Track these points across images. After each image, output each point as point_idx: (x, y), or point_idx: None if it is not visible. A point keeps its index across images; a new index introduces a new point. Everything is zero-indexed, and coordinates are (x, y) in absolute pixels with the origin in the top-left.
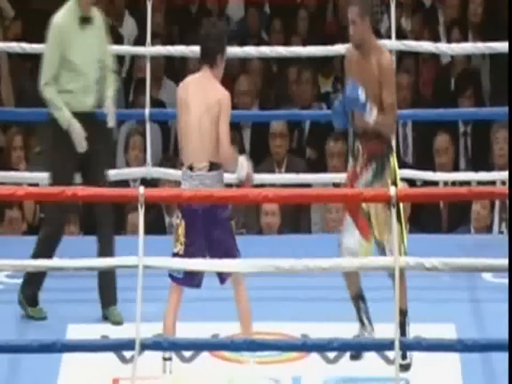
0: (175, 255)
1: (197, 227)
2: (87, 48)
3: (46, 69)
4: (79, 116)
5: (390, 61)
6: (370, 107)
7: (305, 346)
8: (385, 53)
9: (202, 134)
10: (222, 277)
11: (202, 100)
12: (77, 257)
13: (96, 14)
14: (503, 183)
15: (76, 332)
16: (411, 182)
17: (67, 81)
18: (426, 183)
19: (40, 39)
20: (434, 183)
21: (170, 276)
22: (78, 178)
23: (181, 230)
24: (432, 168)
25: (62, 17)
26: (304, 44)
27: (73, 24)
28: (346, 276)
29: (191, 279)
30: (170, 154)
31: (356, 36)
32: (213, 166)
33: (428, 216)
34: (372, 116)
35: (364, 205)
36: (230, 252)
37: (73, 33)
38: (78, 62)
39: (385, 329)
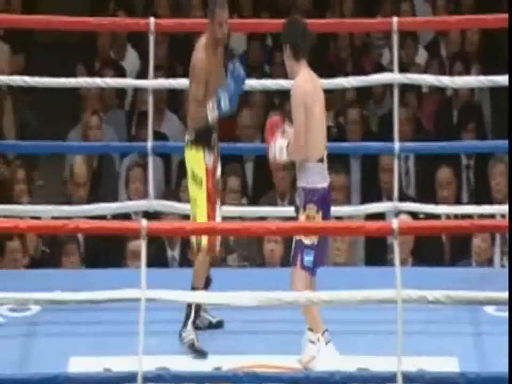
0: (308, 247)
1: (328, 215)
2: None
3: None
4: None
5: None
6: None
7: (307, 379)
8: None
9: (324, 126)
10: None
11: (321, 92)
12: (78, 290)
13: None
14: (502, 216)
15: (77, 365)
16: (413, 215)
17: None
18: (429, 216)
19: (43, 72)
20: (437, 216)
21: (304, 267)
22: None
23: (307, 220)
24: (435, 201)
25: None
26: None
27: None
28: None
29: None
30: (172, 187)
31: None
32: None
33: (430, 249)
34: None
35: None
36: None
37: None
38: None
39: (386, 362)
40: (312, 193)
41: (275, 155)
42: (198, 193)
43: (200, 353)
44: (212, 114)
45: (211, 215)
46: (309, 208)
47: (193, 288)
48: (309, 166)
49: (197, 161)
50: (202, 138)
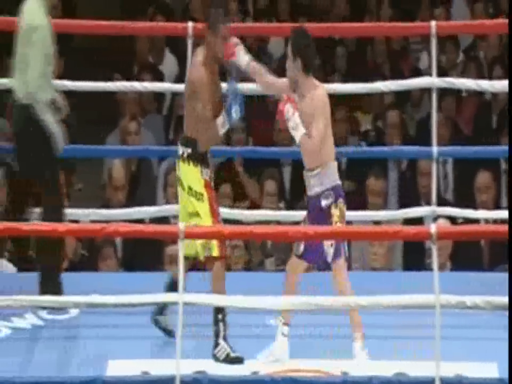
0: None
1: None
2: None
3: None
4: None
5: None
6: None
7: (345, 383)
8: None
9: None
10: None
11: None
12: (117, 293)
13: None
14: None
15: (116, 368)
16: (452, 219)
17: None
18: (467, 220)
19: (82, 77)
20: (475, 221)
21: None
22: None
23: (341, 213)
24: (473, 205)
25: None
26: (343, 81)
27: None
28: None
29: (310, 254)
30: None
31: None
32: None
33: (469, 254)
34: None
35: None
36: None
37: None
38: None
39: (424, 368)
40: (338, 189)
41: (290, 122)
42: (199, 206)
43: (236, 360)
44: (223, 128)
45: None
46: (339, 203)
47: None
48: (331, 165)
49: (194, 176)
50: (200, 155)
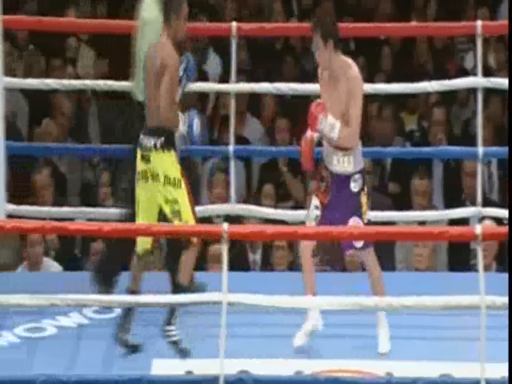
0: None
1: None
2: None
3: None
4: None
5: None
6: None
7: None
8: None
9: None
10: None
11: None
12: (160, 293)
13: None
14: None
15: (160, 367)
16: (498, 220)
17: None
18: None
19: (126, 76)
20: None
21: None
22: None
23: (367, 202)
24: None
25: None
26: (388, 80)
27: None
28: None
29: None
30: (253, 191)
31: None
32: None
33: None
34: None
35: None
36: None
37: None
38: None
39: (469, 369)
40: (364, 172)
41: (324, 129)
42: (177, 194)
43: (183, 353)
44: (182, 126)
45: (195, 213)
46: (366, 189)
47: (178, 285)
48: (359, 148)
49: (171, 164)
50: (172, 141)
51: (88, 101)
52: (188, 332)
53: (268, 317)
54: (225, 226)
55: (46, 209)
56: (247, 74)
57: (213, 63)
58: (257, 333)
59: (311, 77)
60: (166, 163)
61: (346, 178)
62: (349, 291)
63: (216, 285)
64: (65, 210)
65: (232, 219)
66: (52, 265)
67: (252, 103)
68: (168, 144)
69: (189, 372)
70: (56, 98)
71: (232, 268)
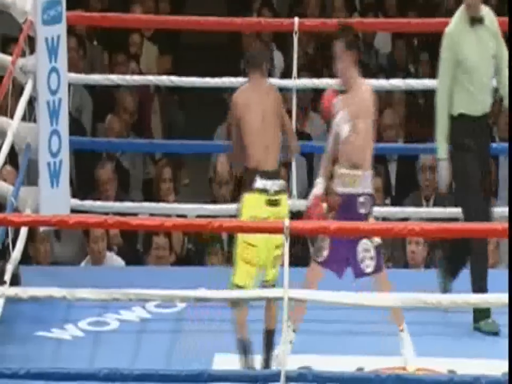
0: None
1: None
2: (480, 47)
3: (441, 80)
4: (480, 119)
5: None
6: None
7: (452, 382)
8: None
9: None
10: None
11: None
12: (223, 288)
13: (486, 12)
14: None
15: (222, 362)
16: None
17: (466, 85)
18: None
19: (189, 72)
20: None
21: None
22: None
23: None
24: None
25: (452, 24)
26: None
27: (465, 27)
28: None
29: (334, 263)
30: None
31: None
32: None
33: None
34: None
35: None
36: None
37: (465, 36)
38: (472, 62)
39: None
40: (373, 198)
41: (340, 130)
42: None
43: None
44: None
45: None
46: (373, 213)
47: (271, 332)
48: (370, 173)
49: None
50: None
51: (151, 96)
52: (252, 327)
53: (331, 313)
54: (287, 221)
55: (109, 204)
56: (309, 70)
57: (276, 58)
58: (319, 328)
59: (371, 72)
60: (286, 205)
61: (354, 197)
62: (412, 287)
63: (277, 280)
64: (127, 205)
65: (294, 215)
66: (114, 260)
67: (315, 99)
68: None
69: (250, 367)
70: (120, 94)
71: (293, 263)
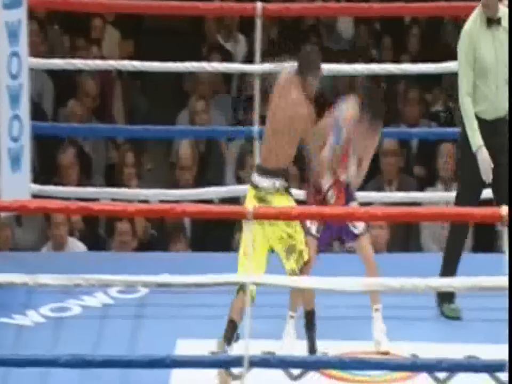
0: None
1: None
2: (496, 49)
3: (462, 80)
4: (492, 123)
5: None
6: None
7: (414, 366)
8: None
9: None
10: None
11: None
12: (186, 273)
13: (504, 13)
14: None
15: (185, 348)
16: None
17: (480, 87)
18: None
19: (152, 57)
20: None
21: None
22: None
23: None
24: None
25: (469, 24)
26: (414, 61)
27: (481, 28)
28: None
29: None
30: None
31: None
32: None
33: None
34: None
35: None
36: None
37: (482, 36)
38: (487, 64)
39: (495, 351)
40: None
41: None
42: (293, 230)
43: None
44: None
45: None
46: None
47: (310, 312)
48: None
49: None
50: (289, 185)
51: (113, 81)
52: (215, 312)
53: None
54: (250, 206)
55: (70, 189)
56: (273, 55)
57: (239, 43)
58: (282, 313)
59: (335, 57)
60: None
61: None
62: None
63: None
64: (89, 190)
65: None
66: (76, 246)
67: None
68: (289, 188)
69: (213, 353)
70: (81, 79)
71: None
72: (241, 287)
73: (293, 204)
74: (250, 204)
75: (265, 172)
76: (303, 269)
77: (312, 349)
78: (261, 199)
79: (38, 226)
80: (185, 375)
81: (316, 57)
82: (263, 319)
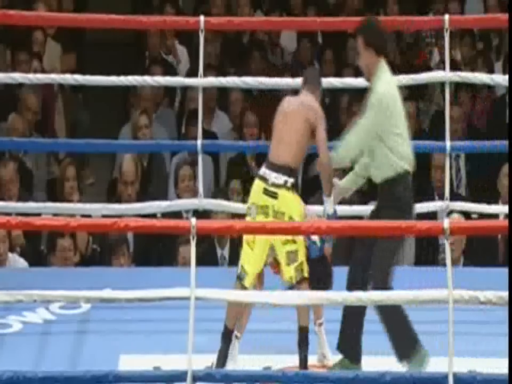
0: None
1: None
2: None
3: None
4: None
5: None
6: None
7: (357, 379)
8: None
9: None
10: None
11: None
12: (128, 288)
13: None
14: None
15: (128, 363)
16: (466, 215)
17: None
18: (483, 215)
19: (93, 71)
20: (492, 216)
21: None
22: None
23: None
24: (488, 200)
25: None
26: (356, 75)
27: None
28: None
29: None
30: (222, 186)
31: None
32: None
33: (484, 249)
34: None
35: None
36: None
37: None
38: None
39: (437, 363)
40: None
41: None
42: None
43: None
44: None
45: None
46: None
47: (304, 328)
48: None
49: (297, 206)
50: (296, 183)
51: (55, 95)
52: (158, 327)
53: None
54: (193, 221)
55: (11, 204)
56: (215, 69)
57: (181, 57)
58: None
59: (277, 71)
60: (293, 205)
61: None
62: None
63: (184, 280)
64: (31, 205)
65: (200, 214)
66: (17, 261)
67: (220, 97)
68: (296, 186)
69: (157, 368)
70: (22, 93)
71: (200, 263)
72: (238, 277)
73: (299, 200)
74: (257, 196)
75: (274, 166)
76: (302, 282)
77: (304, 368)
78: (270, 193)
79: None
80: None
81: (319, 75)
82: (207, 333)
